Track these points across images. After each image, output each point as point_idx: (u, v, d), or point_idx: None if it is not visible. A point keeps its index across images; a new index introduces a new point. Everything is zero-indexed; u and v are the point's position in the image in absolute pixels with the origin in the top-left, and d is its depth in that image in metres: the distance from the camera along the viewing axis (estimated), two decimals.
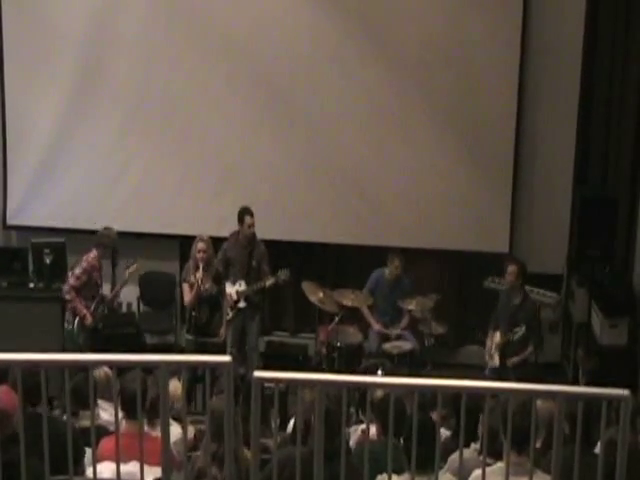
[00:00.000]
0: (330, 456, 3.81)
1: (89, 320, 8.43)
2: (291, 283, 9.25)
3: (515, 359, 8.56)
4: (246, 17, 9.73)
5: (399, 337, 9.22)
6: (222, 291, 8.80)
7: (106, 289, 9.00)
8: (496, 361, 8.60)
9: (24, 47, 9.93)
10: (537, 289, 9.38)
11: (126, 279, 8.93)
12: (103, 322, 9.02)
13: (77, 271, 8.49)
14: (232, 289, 9.00)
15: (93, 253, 8.58)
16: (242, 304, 9.06)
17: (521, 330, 8.39)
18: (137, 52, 9.93)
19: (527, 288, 8.94)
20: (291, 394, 7.00)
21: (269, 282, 8.95)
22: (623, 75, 9.51)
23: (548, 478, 4.18)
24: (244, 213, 8.97)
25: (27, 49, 9.93)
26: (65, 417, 4.81)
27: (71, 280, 8.49)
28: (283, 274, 8.92)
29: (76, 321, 8.48)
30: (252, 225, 8.95)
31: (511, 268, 8.67)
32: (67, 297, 8.46)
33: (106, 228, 8.79)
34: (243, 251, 9.05)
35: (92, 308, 8.48)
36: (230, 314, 8.99)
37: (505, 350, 8.54)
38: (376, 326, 9.31)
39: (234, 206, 9.11)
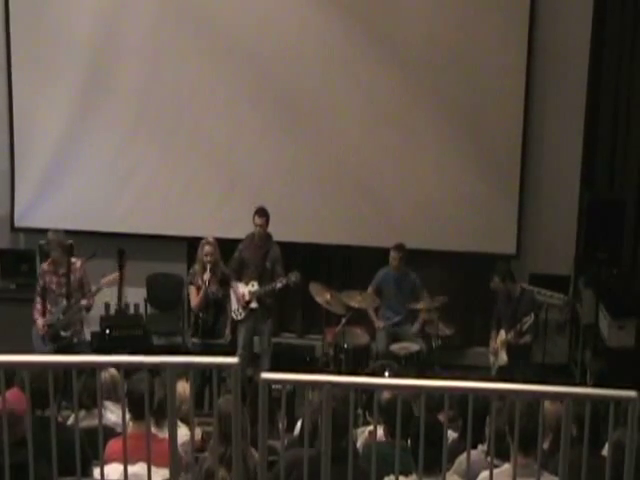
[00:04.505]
0: (337, 458, 3.81)
1: (39, 327, 8.32)
2: (299, 285, 9.26)
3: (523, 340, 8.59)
4: (252, 20, 9.73)
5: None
6: (227, 294, 8.82)
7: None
8: (503, 358, 8.59)
9: (31, 50, 9.94)
10: (544, 290, 9.37)
11: (100, 287, 8.44)
12: (110, 324, 8.99)
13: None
14: (245, 289, 9.02)
15: (47, 261, 8.47)
16: (254, 305, 9.05)
17: (530, 318, 8.39)
18: (144, 56, 9.93)
19: (528, 287, 9.02)
20: (298, 396, 7.02)
21: (280, 284, 8.94)
22: (630, 77, 9.50)
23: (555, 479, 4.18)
24: (255, 213, 9.00)
25: (34, 52, 9.94)
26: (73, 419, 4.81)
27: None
28: (294, 276, 8.89)
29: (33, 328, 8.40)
30: (260, 225, 8.96)
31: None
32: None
33: (54, 232, 8.49)
34: (258, 252, 9.06)
35: (55, 314, 8.30)
36: (242, 314, 9.02)
37: (512, 346, 8.56)
38: (379, 323, 9.29)
39: (241, 208, 9.11)
